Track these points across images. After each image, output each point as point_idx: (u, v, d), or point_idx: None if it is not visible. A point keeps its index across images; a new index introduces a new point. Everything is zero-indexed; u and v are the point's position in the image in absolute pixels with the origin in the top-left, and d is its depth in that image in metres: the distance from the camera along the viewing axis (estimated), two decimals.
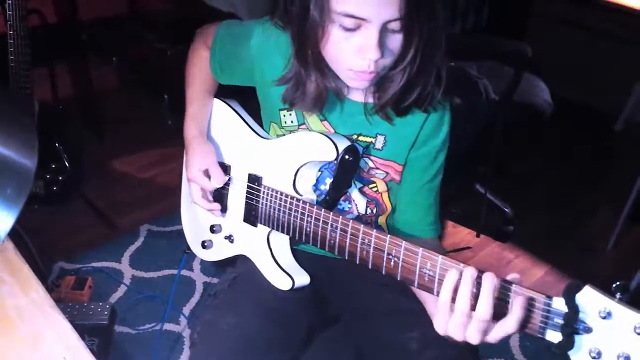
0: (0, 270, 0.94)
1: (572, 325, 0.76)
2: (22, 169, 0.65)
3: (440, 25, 0.97)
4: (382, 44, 0.93)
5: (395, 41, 0.95)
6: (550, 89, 2.31)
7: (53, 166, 2.22)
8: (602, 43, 3.01)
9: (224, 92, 1.27)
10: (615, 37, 2.91)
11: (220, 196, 1.23)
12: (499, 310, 0.82)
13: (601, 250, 2.43)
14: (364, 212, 1.18)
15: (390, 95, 1.03)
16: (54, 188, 2.24)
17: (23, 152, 0.65)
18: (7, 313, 0.88)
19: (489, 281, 0.80)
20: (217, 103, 1.26)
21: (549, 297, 0.80)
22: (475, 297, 0.81)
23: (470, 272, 0.82)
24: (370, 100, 1.08)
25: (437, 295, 0.88)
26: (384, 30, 0.92)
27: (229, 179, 1.21)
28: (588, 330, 0.76)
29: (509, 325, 0.80)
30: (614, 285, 0.78)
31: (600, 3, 2.55)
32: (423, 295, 1.05)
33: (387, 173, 1.14)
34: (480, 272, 0.82)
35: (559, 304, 0.79)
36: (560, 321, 0.78)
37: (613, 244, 2.43)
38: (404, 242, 0.94)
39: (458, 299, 0.82)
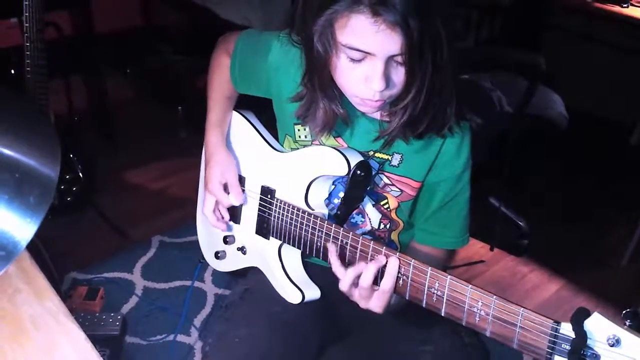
0: (16, 279, 0.95)
1: (580, 351, 0.76)
2: (45, 178, 0.66)
3: (447, 62, 0.97)
4: (387, 75, 0.94)
5: (400, 74, 0.95)
6: (565, 102, 2.30)
7: (67, 177, 2.24)
8: (617, 56, 3.00)
9: (240, 102, 1.28)
10: (630, 50, 2.90)
11: (234, 208, 1.23)
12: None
13: (616, 266, 2.40)
14: (377, 227, 1.18)
15: (393, 128, 1.03)
16: (68, 198, 2.26)
17: (46, 161, 0.66)
18: (22, 321, 0.89)
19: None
20: (233, 114, 1.27)
21: (557, 322, 0.79)
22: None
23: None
24: (386, 118, 1.08)
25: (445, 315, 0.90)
26: (389, 62, 0.93)
27: (245, 195, 1.21)
28: (596, 357, 0.76)
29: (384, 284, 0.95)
30: (623, 312, 0.77)
31: (615, 16, 2.55)
32: None
33: (402, 191, 1.14)
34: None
35: (567, 330, 0.78)
36: (567, 347, 0.77)
37: (628, 259, 2.40)
38: (413, 260, 0.93)
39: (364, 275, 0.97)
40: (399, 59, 0.92)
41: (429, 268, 0.91)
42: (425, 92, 0.97)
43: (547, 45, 3.14)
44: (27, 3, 1.86)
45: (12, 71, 2.18)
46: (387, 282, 0.95)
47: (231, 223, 1.24)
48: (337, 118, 1.06)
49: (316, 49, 0.96)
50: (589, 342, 0.75)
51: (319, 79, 1.01)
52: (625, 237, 2.43)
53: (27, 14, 1.88)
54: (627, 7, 2.59)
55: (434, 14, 0.91)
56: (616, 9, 2.57)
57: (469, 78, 1.93)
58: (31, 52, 1.91)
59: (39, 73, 1.94)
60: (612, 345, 0.74)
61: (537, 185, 2.82)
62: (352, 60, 0.94)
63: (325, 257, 1.06)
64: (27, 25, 1.89)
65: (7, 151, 0.66)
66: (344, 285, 1.00)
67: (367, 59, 0.93)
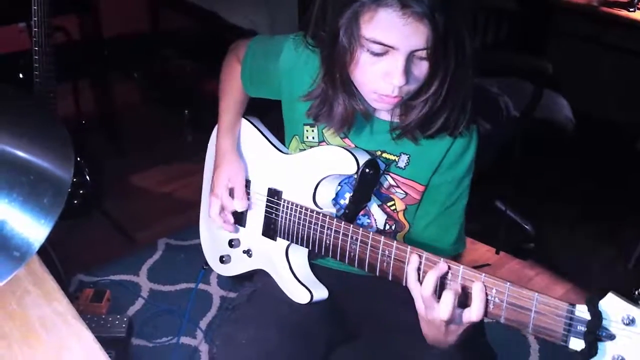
0: (25, 281, 0.96)
1: (595, 332, 0.77)
2: (58, 180, 0.66)
3: (468, 58, 0.97)
4: (407, 70, 0.94)
5: (422, 69, 0.95)
6: (571, 106, 2.30)
7: (74, 180, 2.25)
8: (623, 60, 2.99)
9: (247, 105, 1.28)
10: (637, 54, 2.89)
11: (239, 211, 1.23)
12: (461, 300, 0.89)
13: (622, 269, 2.39)
14: (382, 228, 1.18)
15: (411, 120, 1.03)
16: (75, 202, 2.26)
17: (59, 163, 0.67)
18: (31, 323, 0.89)
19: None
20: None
21: (572, 305, 0.80)
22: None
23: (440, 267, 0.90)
24: (397, 119, 1.09)
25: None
26: (410, 57, 0.93)
27: (249, 201, 1.21)
28: (611, 337, 0.76)
29: (473, 313, 0.87)
30: (637, 292, 0.78)
31: (621, 20, 2.55)
32: None
33: (407, 194, 1.14)
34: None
35: (582, 312, 0.79)
36: (583, 328, 0.78)
37: (634, 262, 2.39)
38: (425, 253, 0.94)
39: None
40: (423, 53, 0.93)
41: (441, 259, 0.92)
42: (446, 87, 0.97)
43: (553, 49, 3.14)
44: (35, 7, 1.87)
45: (21, 75, 2.20)
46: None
47: (236, 226, 1.25)
48: (356, 115, 1.07)
49: (341, 44, 0.96)
50: (604, 322, 0.76)
51: (340, 75, 1.01)
52: (632, 241, 2.42)
53: (35, 19, 1.89)
54: (634, 11, 2.58)
55: (458, 10, 0.92)
56: (623, 13, 2.57)
57: (475, 82, 1.93)
58: (39, 56, 1.92)
59: (48, 77, 1.95)
60: (627, 325, 0.75)
61: (542, 189, 2.81)
62: (373, 54, 0.94)
63: (335, 255, 1.06)
64: (36, 29, 1.90)
65: (21, 153, 0.67)
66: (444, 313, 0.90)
67: (389, 53, 0.93)
